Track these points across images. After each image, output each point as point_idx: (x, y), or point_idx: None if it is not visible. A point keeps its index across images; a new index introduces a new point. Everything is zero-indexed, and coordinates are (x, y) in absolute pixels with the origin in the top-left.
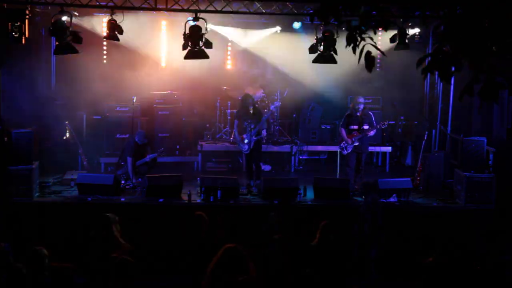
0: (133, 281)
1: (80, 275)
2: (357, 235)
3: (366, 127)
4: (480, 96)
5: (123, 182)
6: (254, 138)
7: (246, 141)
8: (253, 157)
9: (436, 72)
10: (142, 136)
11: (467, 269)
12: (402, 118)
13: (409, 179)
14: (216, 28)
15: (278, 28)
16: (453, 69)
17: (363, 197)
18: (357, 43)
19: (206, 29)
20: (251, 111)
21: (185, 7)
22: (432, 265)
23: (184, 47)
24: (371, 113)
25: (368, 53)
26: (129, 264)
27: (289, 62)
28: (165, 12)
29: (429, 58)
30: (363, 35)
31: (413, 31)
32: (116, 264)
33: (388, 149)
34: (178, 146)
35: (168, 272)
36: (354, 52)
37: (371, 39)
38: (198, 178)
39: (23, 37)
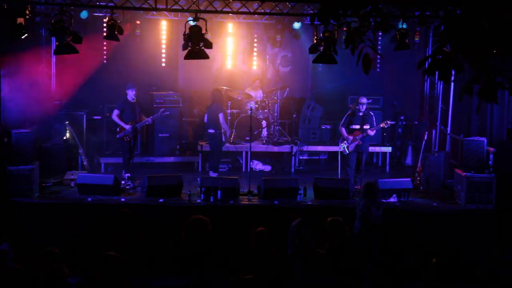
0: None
1: (74, 275)
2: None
3: (367, 127)
4: (479, 96)
5: (123, 182)
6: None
7: None
8: None
9: (436, 72)
10: (132, 86)
11: (467, 269)
12: (402, 118)
13: (409, 179)
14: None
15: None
16: (453, 71)
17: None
18: (356, 44)
19: (206, 29)
20: None
21: (185, 7)
22: (435, 266)
23: (184, 47)
24: (372, 114)
25: (366, 55)
26: (121, 263)
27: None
28: (165, 12)
29: (430, 60)
30: (362, 37)
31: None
32: (109, 262)
33: (388, 149)
34: (178, 146)
35: (168, 272)
36: (353, 53)
37: (370, 41)
38: (198, 178)
39: (23, 37)
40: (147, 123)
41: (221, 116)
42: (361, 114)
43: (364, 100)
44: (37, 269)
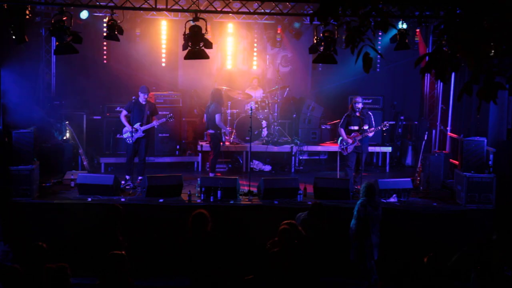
0: (128, 275)
1: (74, 275)
2: (352, 235)
3: (365, 127)
4: (479, 97)
5: (123, 182)
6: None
7: None
8: None
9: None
10: (144, 90)
11: (466, 269)
12: (402, 118)
13: (409, 179)
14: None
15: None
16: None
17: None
18: (356, 44)
19: (206, 29)
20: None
21: (185, 7)
22: (427, 265)
23: (184, 47)
24: (371, 114)
25: (366, 54)
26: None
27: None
28: (165, 12)
29: (428, 58)
30: (362, 36)
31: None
32: (111, 259)
33: (388, 149)
34: (178, 146)
35: (168, 272)
36: (352, 52)
37: (370, 40)
38: (198, 178)
39: (23, 37)
40: (153, 125)
41: (217, 117)
42: (358, 114)
43: (359, 99)
44: (37, 269)
